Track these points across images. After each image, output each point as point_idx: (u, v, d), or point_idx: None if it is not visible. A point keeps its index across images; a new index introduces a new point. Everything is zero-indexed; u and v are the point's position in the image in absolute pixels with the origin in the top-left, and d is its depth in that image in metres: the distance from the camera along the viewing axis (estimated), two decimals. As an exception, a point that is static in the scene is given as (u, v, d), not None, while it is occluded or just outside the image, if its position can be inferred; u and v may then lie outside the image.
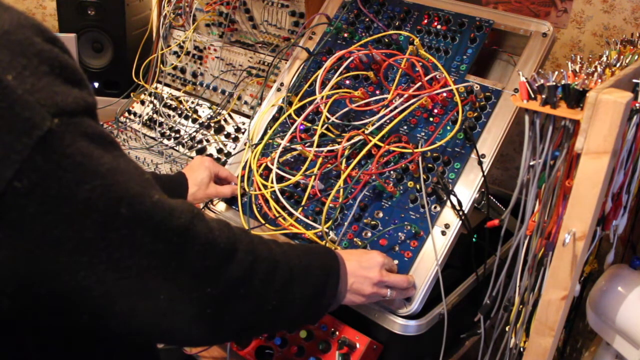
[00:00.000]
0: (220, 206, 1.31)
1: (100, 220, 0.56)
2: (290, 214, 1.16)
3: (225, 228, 0.73)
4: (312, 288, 0.84)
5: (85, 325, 0.63)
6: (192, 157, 1.65)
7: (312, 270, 0.85)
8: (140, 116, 1.88)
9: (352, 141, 1.16)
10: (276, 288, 0.77)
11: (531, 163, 0.79)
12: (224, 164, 1.46)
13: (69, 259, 0.56)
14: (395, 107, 1.17)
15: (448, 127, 1.15)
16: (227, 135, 1.67)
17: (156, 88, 1.90)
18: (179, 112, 1.82)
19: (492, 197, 1.19)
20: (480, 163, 1.07)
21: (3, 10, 0.55)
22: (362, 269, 0.94)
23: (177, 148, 1.73)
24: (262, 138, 1.31)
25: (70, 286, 0.57)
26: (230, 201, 1.30)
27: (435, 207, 1.08)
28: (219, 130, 1.70)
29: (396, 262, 1.06)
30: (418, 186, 1.11)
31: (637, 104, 0.73)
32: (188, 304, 0.66)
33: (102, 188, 0.56)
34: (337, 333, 1.06)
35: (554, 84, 0.73)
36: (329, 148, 1.19)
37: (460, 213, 1.05)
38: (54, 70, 0.54)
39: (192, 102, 1.82)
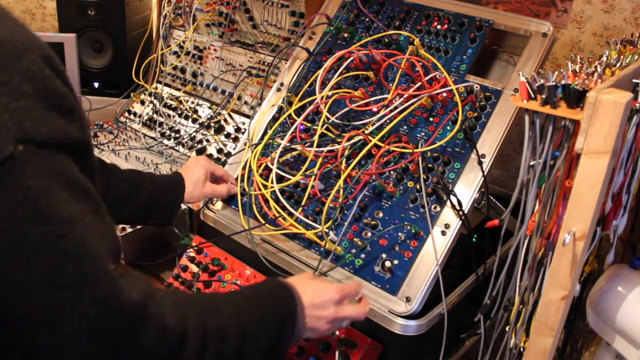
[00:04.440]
0: (219, 206, 1.31)
1: (44, 272, 0.50)
2: (290, 214, 1.16)
3: (173, 304, 0.68)
4: (268, 340, 0.80)
5: None
6: (192, 157, 1.65)
7: (266, 322, 0.80)
8: (140, 116, 1.88)
9: (352, 141, 1.16)
10: (230, 355, 0.74)
11: (531, 163, 0.79)
12: (223, 164, 1.46)
13: (9, 301, 0.51)
14: (395, 107, 1.17)
15: (448, 127, 1.15)
16: (227, 135, 1.67)
17: (156, 88, 1.90)
18: (179, 112, 1.82)
19: (492, 197, 1.19)
20: (480, 163, 1.07)
21: (17, 26, 0.52)
22: (316, 309, 0.87)
23: (177, 148, 1.73)
24: (262, 138, 1.31)
25: (9, 322, 0.52)
26: (229, 201, 1.30)
27: (435, 207, 1.08)
28: (219, 130, 1.70)
29: (396, 261, 1.06)
30: (418, 186, 1.11)
31: (637, 104, 0.73)
32: None
33: (53, 235, 0.50)
34: (337, 333, 1.06)
35: (554, 84, 0.73)
36: (329, 148, 1.19)
37: (460, 213, 1.05)
38: (37, 92, 0.50)
39: (192, 102, 1.82)
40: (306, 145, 1.21)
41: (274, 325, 0.82)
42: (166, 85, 1.92)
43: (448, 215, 1.06)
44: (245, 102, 1.71)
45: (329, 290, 0.90)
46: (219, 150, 1.66)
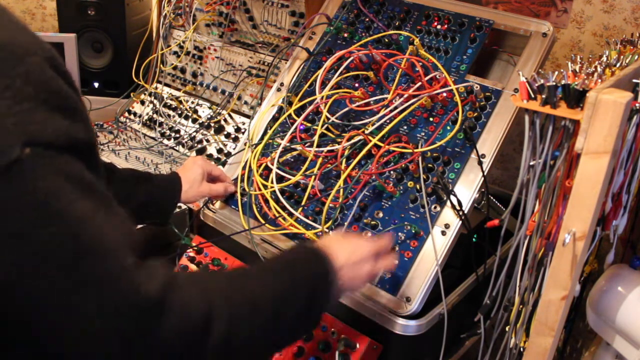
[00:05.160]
0: (218, 206, 1.31)
1: (58, 273, 0.50)
2: (290, 214, 1.16)
3: (196, 288, 0.66)
4: (302, 306, 0.78)
5: None
6: (192, 157, 1.65)
7: (298, 289, 0.78)
8: (140, 116, 1.88)
9: (352, 141, 1.16)
10: (263, 326, 0.72)
11: (531, 163, 0.79)
12: (223, 164, 1.46)
13: (24, 304, 0.51)
14: (395, 107, 1.17)
15: (448, 127, 1.15)
16: (227, 135, 1.67)
17: (156, 88, 1.90)
18: (179, 112, 1.82)
19: (492, 197, 1.19)
20: (480, 163, 1.07)
21: (19, 30, 0.51)
22: (353, 269, 0.85)
23: (177, 148, 1.72)
24: (262, 138, 1.31)
25: (25, 326, 0.52)
26: (229, 201, 1.30)
27: (435, 207, 1.08)
28: (219, 130, 1.70)
29: (396, 262, 1.06)
30: (418, 186, 1.11)
31: (637, 104, 0.73)
32: None
33: (64, 237, 0.50)
34: (337, 333, 1.06)
35: (554, 84, 0.73)
36: (329, 148, 1.19)
37: (460, 213, 1.05)
38: (40, 94, 0.50)
39: (192, 102, 1.82)
40: (306, 145, 1.21)
41: (306, 292, 0.79)
42: (166, 85, 1.92)
43: (448, 215, 1.06)
44: (245, 102, 1.71)
45: (364, 248, 0.89)
46: (219, 150, 1.66)
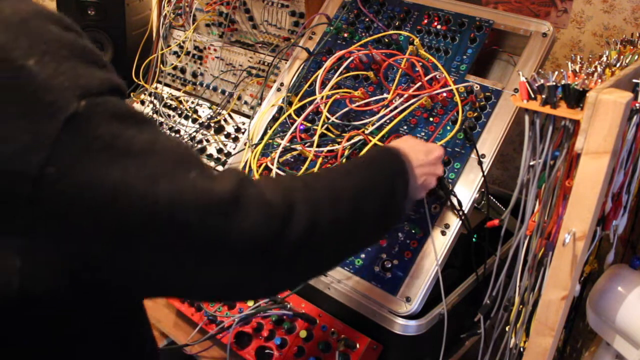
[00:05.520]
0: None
1: (136, 204, 0.54)
2: (290, 214, 1.16)
3: (273, 183, 0.69)
4: (382, 199, 0.81)
5: (133, 299, 0.62)
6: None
7: (378, 183, 0.81)
8: (140, 116, 1.87)
9: (352, 141, 1.16)
10: (346, 217, 0.73)
11: (531, 163, 0.79)
12: (223, 164, 1.46)
13: (108, 244, 0.54)
14: (395, 107, 1.17)
15: (448, 127, 1.15)
16: (227, 135, 1.67)
17: (156, 88, 1.90)
18: (179, 112, 1.82)
19: (492, 197, 1.19)
20: (480, 163, 1.07)
21: (19, 0, 0.55)
22: (428, 167, 0.93)
23: (177, 148, 1.72)
24: (262, 138, 1.31)
25: (115, 268, 0.56)
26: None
27: (435, 207, 1.08)
28: (219, 130, 1.70)
29: (396, 261, 1.06)
30: (418, 186, 1.10)
31: (637, 104, 0.73)
32: (258, 272, 0.63)
33: (134, 169, 0.54)
34: (337, 333, 1.06)
35: (554, 84, 0.73)
36: (329, 148, 1.19)
37: (460, 213, 1.05)
38: (74, 53, 0.54)
39: (192, 102, 1.82)
40: (306, 145, 1.21)
41: (385, 187, 0.82)
42: (166, 85, 1.92)
43: (448, 215, 1.06)
44: (245, 102, 1.71)
45: (436, 149, 0.98)
46: (219, 150, 1.66)
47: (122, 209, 0.53)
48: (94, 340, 0.68)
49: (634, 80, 0.79)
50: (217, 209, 0.59)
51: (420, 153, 0.93)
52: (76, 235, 0.53)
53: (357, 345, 1.04)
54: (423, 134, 1.17)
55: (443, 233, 1.05)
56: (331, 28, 1.37)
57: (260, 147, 1.28)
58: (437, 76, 1.17)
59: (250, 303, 1.17)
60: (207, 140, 1.70)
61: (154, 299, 0.67)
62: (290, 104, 1.32)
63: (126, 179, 0.53)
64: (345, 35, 1.36)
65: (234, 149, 1.58)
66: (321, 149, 1.19)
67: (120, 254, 0.55)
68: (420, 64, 1.18)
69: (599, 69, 0.80)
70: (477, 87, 1.15)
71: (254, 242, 0.61)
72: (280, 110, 1.34)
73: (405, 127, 1.19)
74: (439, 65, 1.19)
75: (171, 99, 1.86)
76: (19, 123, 0.49)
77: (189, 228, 0.57)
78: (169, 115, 1.83)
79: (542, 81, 0.74)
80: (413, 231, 1.07)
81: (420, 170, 0.91)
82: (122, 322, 0.73)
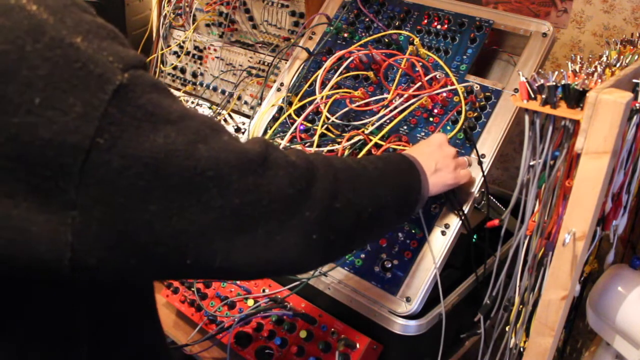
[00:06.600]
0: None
1: (182, 165, 0.58)
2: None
3: (296, 151, 0.74)
4: (398, 186, 0.86)
5: (185, 269, 0.63)
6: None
7: (389, 171, 0.86)
8: (140, 116, 1.87)
9: (352, 141, 1.16)
10: (365, 193, 0.77)
11: (531, 163, 0.79)
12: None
13: (159, 206, 0.57)
14: (395, 107, 1.17)
15: (448, 127, 1.15)
16: (227, 135, 1.67)
17: (156, 88, 1.90)
18: (179, 112, 1.82)
19: (492, 197, 1.19)
20: (480, 163, 1.07)
21: None
22: (438, 175, 0.96)
23: (177, 148, 1.72)
24: (262, 138, 1.31)
25: (166, 232, 0.58)
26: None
27: (435, 207, 1.08)
28: (219, 130, 1.70)
29: (396, 261, 1.06)
30: (418, 186, 1.10)
31: (637, 104, 0.73)
32: (288, 233, 0.66)
33: (176, 134, 0.58)
34: (337, 333, 1.06)
35: (554, 84, 0.73)
36: (329, 148, 1.19)
37: (460, 213, 1.05)
38: (109, 34, 0.58)
39: (192, 102, 1.82)
40: (306, 145, 1.21)
41: (400, 177, 0.88)
42: (166, 85, 1.92)
43: (448, 215, 1.06)
44: (245, 102, 1.71)
45: (449, 156, 1.00)
46: (219, 150, 1.65)
47: (169, 172, 0.57)
48: (133, 324, 0.75)
49: (634, 80, 0.79)
50: (251, 167, 0.63)
51: (433, 164, 0.97)
52: (127, 203, 0.56)
53: (357, 345, 1.04)
54: (423, 134, 1.17)
55: (443, 233, 1.05)
56: (331, 28, 1.37)
57: (260, 147, 1.27)
58: (437, 76, 1.17)
59: (250, 303, 1.17)
60: (207, 140, 1.69)
61: (196, 275, 0.81)
62: (290, 104, 1.32)
63: (169, 143, 0.57)
64: (345, 35, 1.36)
65: (234, 149, 1.58)
66: (321, 149, 1.19)
67: (171, 216, 0.58)
68: (420, 64, 1.18)
69: (599, 69, 0.80)
70: (477, 87, 1.15)
71: (286, 200, 0.66)
72: (280, 110, 1.34)
73: (405, 127, 1.19)
74: (443, 65, 1.19)
75: (171, 99, 1.86)
76: (72, 95, 0.52)
77: (231, 185, 0.61)
78: (169, 115, 1.82)
79: (542, 81, 0.74)
80: (413, 231, 1.07)
81: (433, 180, 0.95)
82: (153, 312, 0.80)
